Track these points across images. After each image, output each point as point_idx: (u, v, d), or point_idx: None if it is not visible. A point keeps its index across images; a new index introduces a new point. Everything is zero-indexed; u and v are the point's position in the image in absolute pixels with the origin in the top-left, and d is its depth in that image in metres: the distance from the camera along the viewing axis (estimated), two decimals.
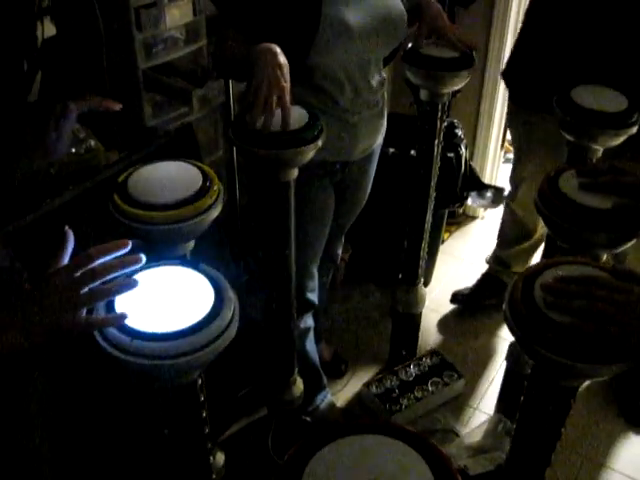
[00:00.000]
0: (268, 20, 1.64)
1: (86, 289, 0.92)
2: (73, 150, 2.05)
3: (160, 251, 1.30)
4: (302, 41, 1.63)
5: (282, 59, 1.48)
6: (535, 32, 2.22)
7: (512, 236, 2.80)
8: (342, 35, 1.68)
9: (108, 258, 0.95)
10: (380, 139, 2.04)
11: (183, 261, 1.11)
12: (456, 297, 3.02)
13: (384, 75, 1.94)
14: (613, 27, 2.00)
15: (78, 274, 0.93)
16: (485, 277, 2.99)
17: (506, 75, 2.47)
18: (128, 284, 0.96)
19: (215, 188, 1.32)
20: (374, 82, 1.87)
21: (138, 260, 0.97)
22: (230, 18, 1.72)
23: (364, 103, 1.85)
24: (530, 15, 2.29)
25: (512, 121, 2.55)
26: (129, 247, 0.97)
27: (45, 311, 0.90)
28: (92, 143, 2.13)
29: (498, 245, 2.90)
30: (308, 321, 2.19)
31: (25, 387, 1.31)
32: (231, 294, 1.04)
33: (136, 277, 1.02)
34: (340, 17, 1.67)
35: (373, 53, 1.80)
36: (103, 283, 0.95)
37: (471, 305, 2.98)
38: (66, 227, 1.03)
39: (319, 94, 1.75)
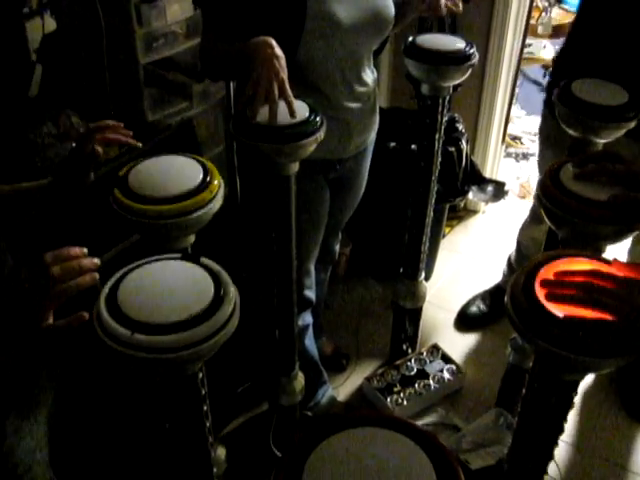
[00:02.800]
0: (254, 18, 1.63)
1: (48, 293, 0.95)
2: (74, 145, 2.05)
3: (161, 245, 1.31)
4: (289, 37, 1.62)
5: (278, 51, 1.47)
6: (583, 45, 2.12)
7: (533, 252, 2.59)
8: (330, 29, 1.67)
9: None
10: (373, 135, 2.03)
11: (184, 255, 1.11)
12: (466, 319, 2.95)
13: (375, 70, 1.94)
14: None
15: (38, 281, 0.95)
16: (497, 291, 2.91)
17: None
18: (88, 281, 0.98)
19: (215, 182, 1.32)
20: (365, 76, 1.86)
21: (94, 265, 0.99)
22: (216, 19, 1.71)
23: (356, 98, 1.84)
24: (579, 23, 2.19)
25: (550, 139, 2.34)
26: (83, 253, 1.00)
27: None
28: None
29: (516, 260, 2.77)
30: (306, 318, 2.19)
31: (32, 385, 1.31)
32: (232, 288, 1.04)
33: (138, 271, 1.03)
34: (327, 11, 1.66)
35: (362, 46, 1.79)
36: None
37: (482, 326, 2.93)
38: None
39: (311, 90, 1.74)
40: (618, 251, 2.46)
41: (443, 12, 1.87)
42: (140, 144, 1.37)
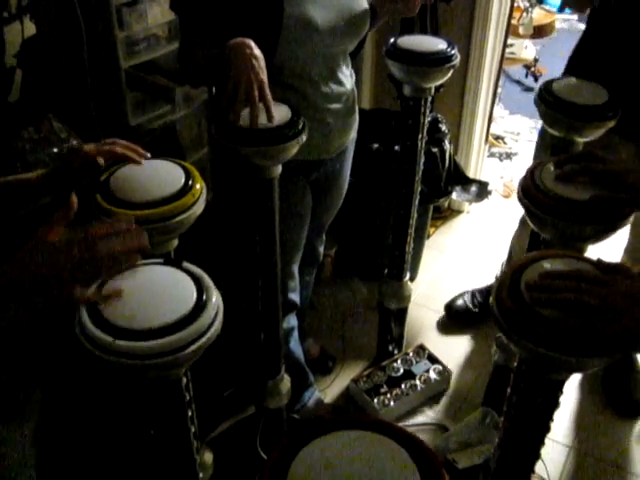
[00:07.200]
0: (232, 22, 1.63)
1: (85, 267, 0.91)
2: (55, 150, 2.04)
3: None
4: (267, 41, 1.61)
5: (257, 52, 1.47)
6: (596, 47, 2.13)
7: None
8: (307, 31, 1.67)
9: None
10: (353, 134, 2.04)
11: (166, 259, 1.11)
12: (450, 312, 2.95)
13: (353, 71, 1.94)
14: None
15: (77, 251, 0.90)
16: (488, 293, 2.88)
17: None
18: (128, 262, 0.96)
19: (198, 186, 1.32)
20: (343, 77, 1.87)
21: (142, 244, 0.97)
22: (194, 24, 1.71)
23: (335, 99, 1.85)
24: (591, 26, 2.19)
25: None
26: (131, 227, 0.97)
27: (39, 285, 0.88)
28: (74, 143, 2.12)
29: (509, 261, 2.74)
30: (291, 321, 2.19)
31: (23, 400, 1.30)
32: (215, 292, 1.04)
33: (119, 276, 1.01)
34: (303, 14, 1.66)
35: (339, 47, 1.80)
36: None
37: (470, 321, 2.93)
38: (73, 195, 1.01)
39: (289, 92, 1.74)
40: (614, 249, 2.47)
41: (415, 11, 1.87)
42: (149, 154, 1.34)
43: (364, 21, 1.81)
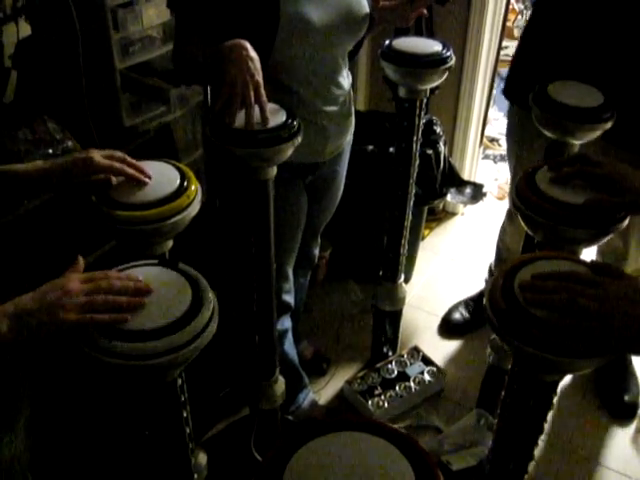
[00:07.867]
0: (228, 21, 1.62)
1: (90, 297, 0.96)
2: (50, 151, 2.04)
3: (138, 250, 1.30)
4: (263, 41, 1.61)
5: (253, 53, 1.46)
6: (540, 33, 2.14)
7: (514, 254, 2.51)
8: (304, 32, 1.66)
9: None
10: (349, 137, 2.03)
11: (162, 261, 1.11)
12: (449, 326, 2.93)
13: (349, 73, 1.94)
14: (615, 35, 1.94)
15: (87, 284, 0.97)
16: (480, 298, 2.87)
17: (509, 84, 2.33)
18: (134, 305, 0.98)
19: (193, 188, 1.32)
20: (341, 79, 1.86)
21: (148, 291, 1.01)
22: (189, 22, 1.71)
23: (332, 101, 1.84)
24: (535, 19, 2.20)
25: (514, 132, 2.35)
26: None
27: (43, 307, 0.93)
28: (69, 144, 2.12)
29: (496, 265, 2.75)
30: (285, 323, 2.19)
31: (13, 393, 1.30)
32: (210, 294, 1.04)
33: None
34: (301, 14, 1.65)
35: (336, 48, 1.79)
36: None
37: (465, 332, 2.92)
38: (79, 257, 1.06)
39: (285, 93, 1.73)
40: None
41: (410, 23, 1.88)
42: (150, 177, 1.34)
43: (363, 22, 1.80)
